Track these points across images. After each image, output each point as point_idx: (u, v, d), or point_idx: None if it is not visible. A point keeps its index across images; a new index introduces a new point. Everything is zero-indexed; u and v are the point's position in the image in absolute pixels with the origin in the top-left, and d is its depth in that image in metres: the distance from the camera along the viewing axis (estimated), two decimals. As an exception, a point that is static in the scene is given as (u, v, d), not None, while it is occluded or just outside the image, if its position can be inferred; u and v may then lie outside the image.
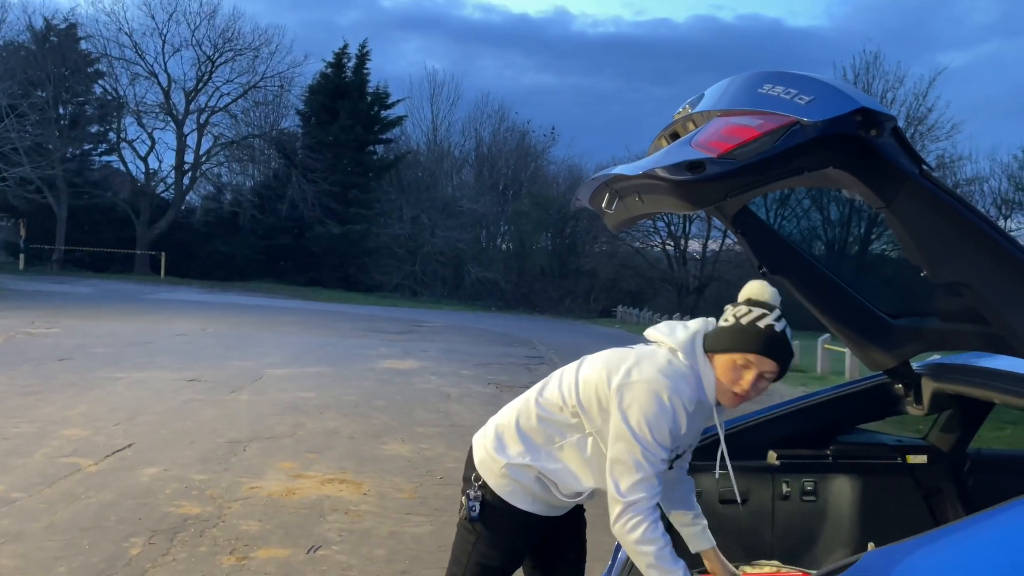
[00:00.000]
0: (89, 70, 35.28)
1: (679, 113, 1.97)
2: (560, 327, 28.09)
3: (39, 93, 30.95)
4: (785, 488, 2.56)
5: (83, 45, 35.13)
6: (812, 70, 1.74)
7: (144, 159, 37.31)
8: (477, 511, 2.09)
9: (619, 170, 1.78)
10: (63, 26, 34.47)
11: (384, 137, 41.53)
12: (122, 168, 37.77)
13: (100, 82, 36.18)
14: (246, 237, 36.68)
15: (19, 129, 26.75)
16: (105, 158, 37.80)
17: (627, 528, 1.97)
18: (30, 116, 28.21)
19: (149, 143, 37.02)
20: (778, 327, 1.97)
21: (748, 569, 2.45)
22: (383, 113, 40.69)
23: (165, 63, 36.03)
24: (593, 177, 2.06)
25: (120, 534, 4.20)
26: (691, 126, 1.87)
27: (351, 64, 39.51)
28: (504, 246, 46.94)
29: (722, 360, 1.99)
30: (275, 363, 11.35)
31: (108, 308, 19.01)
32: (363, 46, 39.69)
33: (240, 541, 4.20)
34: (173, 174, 37.78)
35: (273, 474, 5.56)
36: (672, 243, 45.99)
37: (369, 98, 39.70)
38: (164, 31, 35.73)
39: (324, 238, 36.89)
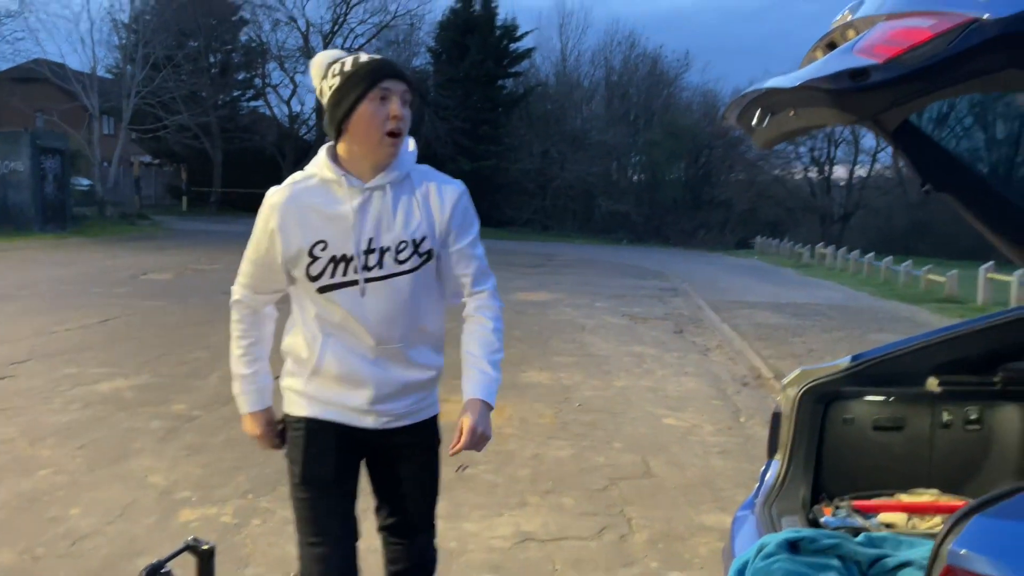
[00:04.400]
0: (234, 18, 36.94)
1: (837, 21, 1.86)
2: (694, 259, 27.49)
3: (191, 43, 32.80)
4: (946, 416, 2.45)
5: (228, -6, 36.76)
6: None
7: (287, 103, 39.02)
8: None
9: (773, 83, 1.72)
10: (209, -24, 36.15)
11: (513, 71, 41.27)
12: (268, 112, 39.71)
13: (245, 30, 37.87)
14: (383, 175, 37.84)
15: (176, 79, 28.56)
16: (252, 103, 39.83)
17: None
18: (184, 66, 29.99)
19: (291, 87, 38.60)
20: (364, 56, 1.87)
21: (905, 497, 2.39)
22: (512, 46, 40.35)
23: (303, 7, 37.39)
24: (743, 93, 2.00)
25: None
26: (851, 34, 1.76)
27: (479, -3, 39.27)
28: (635, 178, 46.07)
29: (361, 115, 1.82)
30: (416, 295, 11.80)
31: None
32: (491, -23, 39.29)
33: (394, 458, 4.50)
34: (314, 116, 39.32)
35: (420, 398, 5.86)
36: (816, 169, 43.62)
37: (498, 31, 39.44)
38: (302, -25, 36.75)
39: (456, 175, 36.26)
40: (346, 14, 37.23)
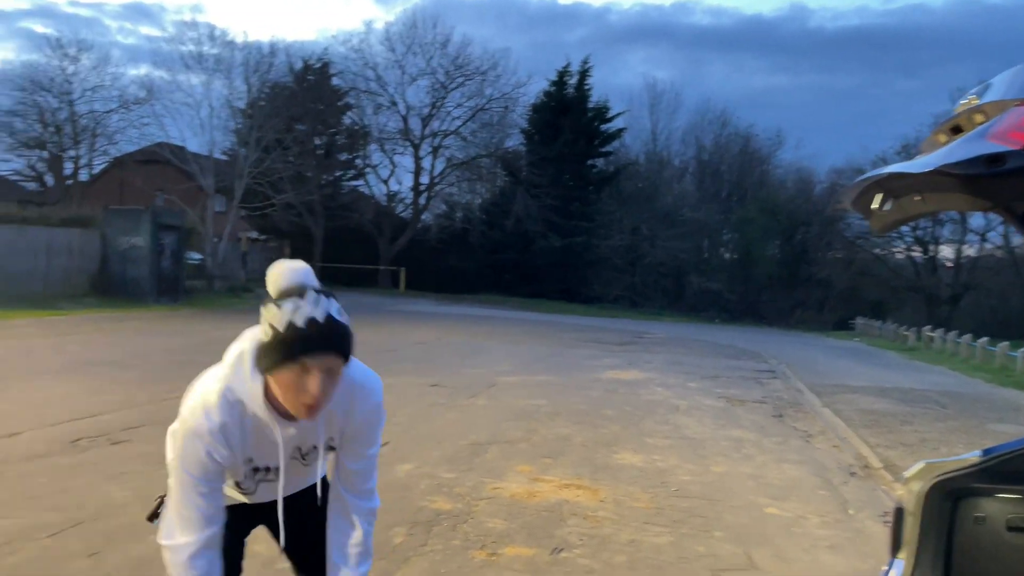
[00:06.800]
0: (339, 103, 39.11)
1: (963, 104, 1.83)
2: (791, 340, 26.62)
3: (299, 127, 34.83)
4: (1093, 518, 2.25)
5: (334, 81, 39.03)
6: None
7: (386, 182, 40.68)
8: None
9: (898, 168, 1.69)
10: (318, 66, 38.55)
11: (604, 150, 41.90)
12: (367, 191, 41.46)
13: (348, 114, 39.97)
14: (475, 252, 38.65)
15: (284, 160, 30.28)
16: (352, 183, 41.72)
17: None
18: (292, 148, 31.84)
19: (390, 167, 40.29)
20: (319, 313, 1.70)
21: (1047, 607, 2.19)
22: (603, 127, 41.08)
23: (404, 92, 39.08)
24: (861, 178, 1.97)
25: (385, 523, 4.60)
26: (979, 118, 1.73)
27: (573, 81, 40.36)
28: (728, 255, 45.41)
29: (280, 378, 1.73)
30: (506, 371, 11.84)
31: (357, 318, 20.72)
32: (585, 62, 40.45)
33: (488, 538, 4.45)
34: (411, 195, 40.80)
35: (513, 476, 5.82)
36: (919, 248, 41.94)
37: (590, 113, 40.30)
38: (403, 63, 38.78)
39: (547, 251, 37.91)
40: (444, 99, 38.89)
